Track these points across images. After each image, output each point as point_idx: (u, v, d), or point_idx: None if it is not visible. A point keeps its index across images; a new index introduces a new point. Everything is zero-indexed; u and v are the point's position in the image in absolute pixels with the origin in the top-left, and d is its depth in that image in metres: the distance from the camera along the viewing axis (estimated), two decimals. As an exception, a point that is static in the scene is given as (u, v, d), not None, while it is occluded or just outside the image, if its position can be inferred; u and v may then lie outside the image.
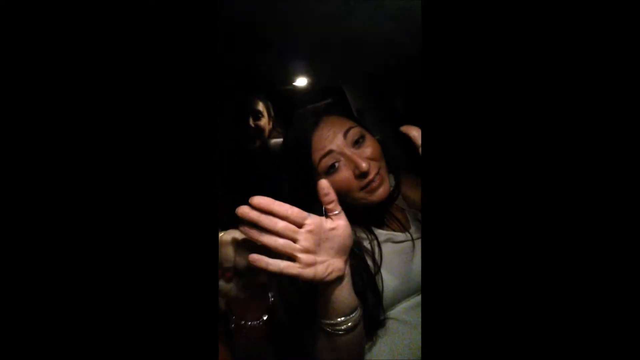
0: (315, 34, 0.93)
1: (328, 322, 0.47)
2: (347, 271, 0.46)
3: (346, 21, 0.86)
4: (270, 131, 1.37)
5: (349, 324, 0.47)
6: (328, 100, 1.49)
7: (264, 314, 0.53)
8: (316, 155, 0.60)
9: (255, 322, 0.52)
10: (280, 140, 1.08)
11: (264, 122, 1.35)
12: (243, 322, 0.52)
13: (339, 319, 0.46)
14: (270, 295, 0.55)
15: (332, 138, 0.60)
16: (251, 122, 1.31)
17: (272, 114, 1.39)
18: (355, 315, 0.47)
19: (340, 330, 0.47)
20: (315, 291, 0.47)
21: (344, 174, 0.60)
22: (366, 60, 1.09)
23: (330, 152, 0.60)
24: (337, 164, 0.60)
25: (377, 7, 0.78)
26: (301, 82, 1.28)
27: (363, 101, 1.26)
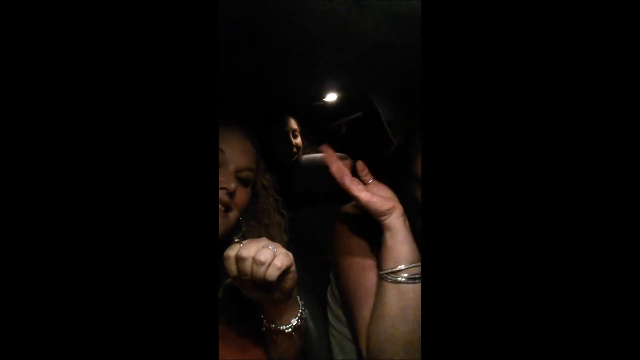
0: (341, 48, 0.94)
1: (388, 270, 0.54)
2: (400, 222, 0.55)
3: (369, 33, 0.86)
4: (304, 148, 1.41)
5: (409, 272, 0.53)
6: (358, 114, 1.51)
7: (293, 318, 0.53)
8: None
9: (284, 327, 0.53)
10: (313, 156, 1.10)
11: (299, 140, 1.40)
12: (273, 326, 0.53)
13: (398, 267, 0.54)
14: (300, 302, 0.55)
15: None
16: (292, 141, 1.36)
17: (301, 132, 1.43)
18: (414, 266, 0.54)
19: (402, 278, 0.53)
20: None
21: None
22: (393, 70, 1.09)
23: None
24: None
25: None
26: (331, 97, 1.30)
27: (393, 112, 1.25)
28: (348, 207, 0.74)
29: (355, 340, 0.63)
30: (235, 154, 0.60)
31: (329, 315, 0.77)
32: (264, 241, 0.48)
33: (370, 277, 0.63)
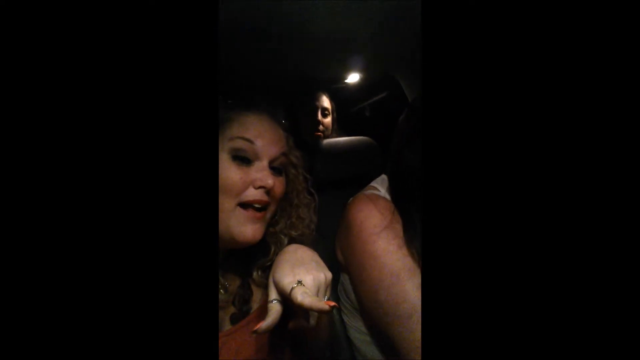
0: (364, 26, 0.89)
1: None
2: None
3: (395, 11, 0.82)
4: (332, 130, 1.35)
5: None
6: (383, 94, 1.45)
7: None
8: None
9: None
10: (335, 140, 1.06)
11: (329, 120, 1.33)
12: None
13: None
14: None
15: None
16: (319, 117, 1.30)
17: (335, 115, 1.37)
18: None
19: None
20: None
21: None
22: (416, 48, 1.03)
23: None
24: None
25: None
26: (353, 77, 1.25)
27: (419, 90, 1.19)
28: (368, 197, 0.62)
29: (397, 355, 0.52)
30: (266, 144, 0.54)
31: (345, 318, 0.69)
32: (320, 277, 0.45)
33: (412, 289, 0.51)
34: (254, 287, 0.59)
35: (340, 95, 1.41)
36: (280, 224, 0.60)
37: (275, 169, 0.55)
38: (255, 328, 0.42)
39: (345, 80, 1.29)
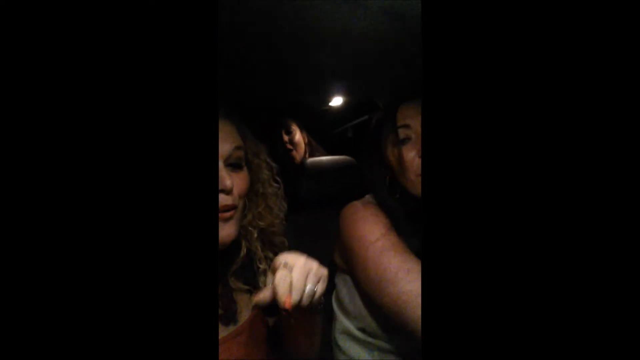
0: (347, 52, 0.94)
1: None
2: None
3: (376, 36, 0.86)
4: (307, 149, 1.40)
5: None
6: (364, 117, 1.50)
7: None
8: (397, 124, 0.66)
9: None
10: (319, 158, 1.10)
11: (298, 137, 1.38)
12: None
13: None
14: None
15: (415, 116, 0.64)
16: (284, 137, 1.35)
17: (304, 132, 1.42)
18: None
19: None
20: None
21: (411, 150, 0.64)
22: (401, 73, 1.08)
23: (407, 126, 0.64)
24: (409, 139, 0.65)
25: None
26: (337, 101, 1.30)
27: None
28: (363, 204, 0.71)
29: (402, 316, 0.59)
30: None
31: (339, 333, 0.74)
32: (305, 263, 0.46)
33: (393, 257, 0.60)
34: (235, 292, 0.57)
35: (323, 116, 1.46)
36: (248, 217, 0.59)
37: (233, 165, 0.54)
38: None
39: (329, 103, 1.33)
